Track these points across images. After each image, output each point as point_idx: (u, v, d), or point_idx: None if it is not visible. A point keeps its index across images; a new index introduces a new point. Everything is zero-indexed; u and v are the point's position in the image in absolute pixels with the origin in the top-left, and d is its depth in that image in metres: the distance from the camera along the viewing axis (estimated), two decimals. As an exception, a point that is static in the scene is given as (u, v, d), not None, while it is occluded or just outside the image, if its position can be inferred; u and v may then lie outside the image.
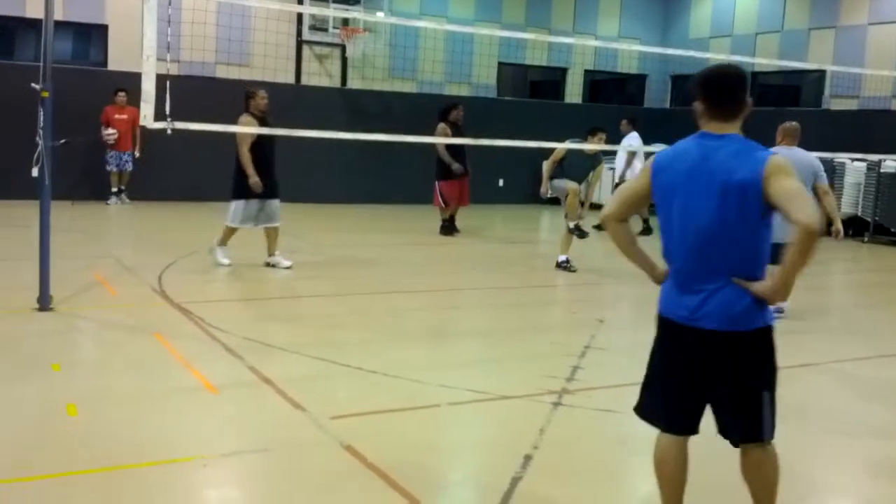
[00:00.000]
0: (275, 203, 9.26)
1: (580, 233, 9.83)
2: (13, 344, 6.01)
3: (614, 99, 20.73)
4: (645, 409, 3.47)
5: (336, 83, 16.74)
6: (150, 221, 12.93)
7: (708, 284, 3.14)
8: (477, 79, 17.67)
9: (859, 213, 14.77)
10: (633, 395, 4.98)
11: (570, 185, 9.74)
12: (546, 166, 9.93)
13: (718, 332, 3.13)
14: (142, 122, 6.75)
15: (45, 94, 6.60)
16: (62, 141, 6.95)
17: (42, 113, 6.62)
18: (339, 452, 4.26)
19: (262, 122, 8.93)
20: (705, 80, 3.24)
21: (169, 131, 6.90)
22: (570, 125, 9.94)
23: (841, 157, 14.05)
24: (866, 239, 14.48)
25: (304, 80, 16.38)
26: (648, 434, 5.18)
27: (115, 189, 14.32)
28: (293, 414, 4.79)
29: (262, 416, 4.83)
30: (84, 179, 14.08)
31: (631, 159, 13.75)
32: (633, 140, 13.66)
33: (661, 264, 3.39)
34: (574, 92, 19.36)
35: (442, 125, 12.34)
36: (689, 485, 3.40)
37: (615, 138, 12.41)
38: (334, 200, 15.63)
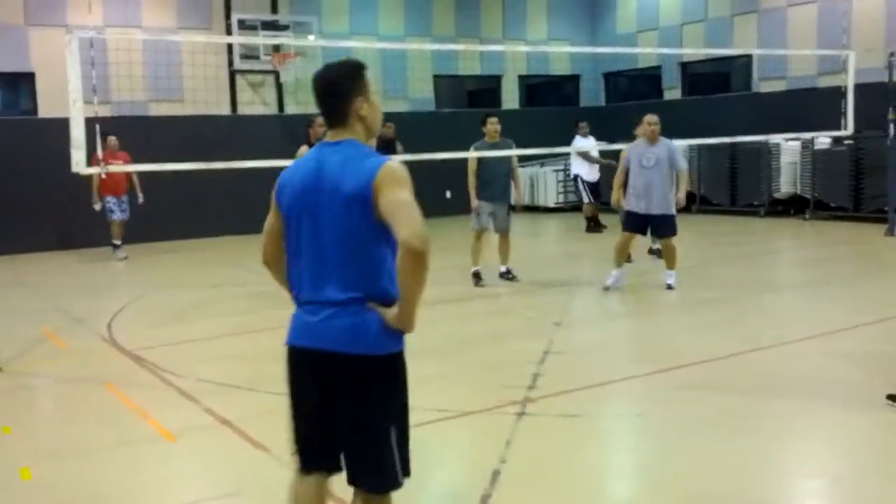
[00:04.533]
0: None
1: (478, 280, 9.62)
2: (-41, 411, 5.82)
3: (551, 101, 20.91)
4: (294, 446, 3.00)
5: (273, 110, 16.63)
6: (94, 268, 12.65)
7: (336, 306, 2.78)
8: (413, 93, 17.70)
9: (798, 192, 15.09)
10: (598, 397, 4.92)
11: (477, 225, 9.66)
12: (470, 183, 9.56)
13: (346, 354, 2.76)
14: (74, 169, 6.62)
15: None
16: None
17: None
18: (305, 488, 4.19)
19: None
20: (313, 82, 2.88)
21: (103, 175, 6.79)
22: (510, 131, 9.95)
23: (775, 138, 14.34)
24: (808, 216, 14.79)
25: (241, 110, 16.24)
26: (618, 436, 5.19)
27: (117, 242, 13.01)
28: (255, 454, 4.70)
29: (224, 460, 4.73)
30: (25, 231, 13.71)
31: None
32: (585, 142, 13.93)
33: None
34: (510, 98, 19.48)
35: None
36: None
37: (560, 140, 12.48)
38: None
